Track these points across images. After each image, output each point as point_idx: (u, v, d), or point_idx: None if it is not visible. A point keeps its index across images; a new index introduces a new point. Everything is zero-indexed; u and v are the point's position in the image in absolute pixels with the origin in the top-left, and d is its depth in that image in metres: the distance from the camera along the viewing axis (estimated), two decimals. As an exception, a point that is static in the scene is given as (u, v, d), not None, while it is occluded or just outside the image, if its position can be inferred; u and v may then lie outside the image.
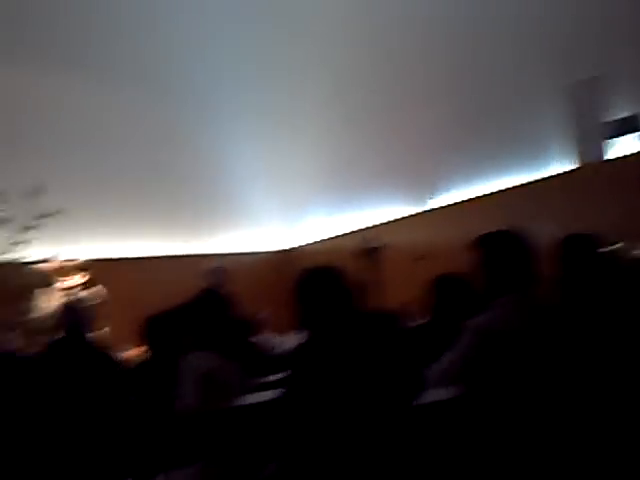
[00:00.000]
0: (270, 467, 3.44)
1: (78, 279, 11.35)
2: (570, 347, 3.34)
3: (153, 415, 4.60)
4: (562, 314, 3.54)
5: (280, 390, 3.29)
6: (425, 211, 13.62)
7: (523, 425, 3.15)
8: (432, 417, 3.22)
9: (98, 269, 12.04)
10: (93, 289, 11.37)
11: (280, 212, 17.20)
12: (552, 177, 11.05)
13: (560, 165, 11.02)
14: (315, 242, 16.77)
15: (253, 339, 7.40)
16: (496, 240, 3.59)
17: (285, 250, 17.79)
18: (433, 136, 12.90)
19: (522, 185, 11.48)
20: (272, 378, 5.63)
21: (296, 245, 17.54)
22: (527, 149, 11.44)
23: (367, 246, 14.88)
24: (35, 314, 12.58)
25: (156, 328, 5.40)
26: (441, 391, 3.46)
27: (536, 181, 11.25)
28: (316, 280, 3.37)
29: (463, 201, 12.68)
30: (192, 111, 15.44)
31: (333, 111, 14.89)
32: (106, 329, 10.32)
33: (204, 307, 4.71)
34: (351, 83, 14.31)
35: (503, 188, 11.84)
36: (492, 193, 12.05)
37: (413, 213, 13.90)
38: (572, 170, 10.80)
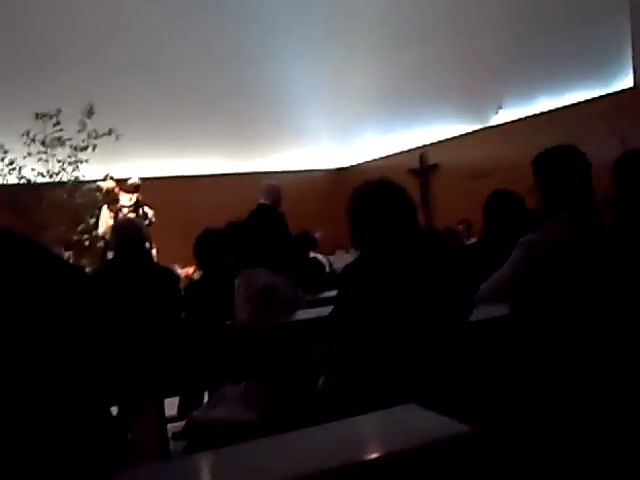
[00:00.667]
0: (324, 382, 3.46)
1: (131, 198, 11.43)
2: (620, 268, 3.29)
3: (205, 332, 4.66)
4: (614, 234, 3.48)
5: (333, 307, 3.30)
6: (483, 129, 13.41)
7: (573, 342, 3.13)
8: (483, 334, 3.20)
9: (152, 188, 12.11)
10: (145, 209, 11.45)
11: (335, 130, 17.11)
12: (613, 94, 10.78)
13: (621, 82, 10.74)
14: (370, 160, 16.66)
15: (309, 256, 7.43)
16: (552, 157, 3.52)
17: (340, 168, 17.75)
18: (493, 52, 12.62)
19: (583, 102, 11.24)
20: (326, 295, 5.67)
21: (351, 163, 17.47)
22: (589, 66, 11.15)
23: (423, 164, 14.80)
24: (89, 233, 12.76)
25: (208, 245, 5.43)
26: (492, 309, 3.45)
27: (597, 98, 10.99)
28: (372, 195, 3.22)
29: (522, 118, 12.45)
30: (249, 31, 15.32)
31: (389, 27, 14.65)
32: (154, 249, 10.41)
33: (260, 223, 4.70)
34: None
35: (563, 105, 11.60)
36: (552, 110, 11.81)
37: (471, 131, 13.69)
38: (633, 87, 10.52)
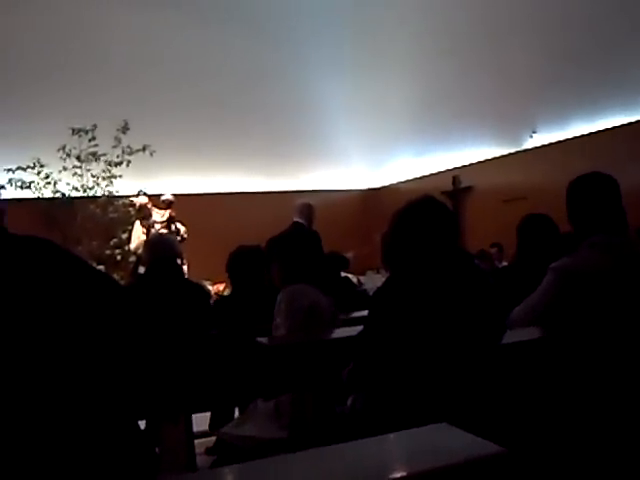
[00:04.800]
0: (354, 401, 3.45)
1: (163, 214, 11.48)
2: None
3: (234, 348, 4.67)
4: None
5: (363, 327, 3.29)
6: (516, 152, 13.35)
7: (604, 368, 3.11)
8: (514, 357, 3.19)
9: (185, 204, 12.16)
10: (177, 225, 11.49)
11: (368, 150, 17.11)
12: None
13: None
14: (403, 181, 16.65)
15: (340, 275, 7.41)
16: (582, 183, 3.54)
17: (372, 189, 17.75)
18: (527, 76, 12.57)
19: (617, 127, 11.16)
20: (357, 314, 5.65)
21: (383, 184, 17.47)
22: (622, 91, 11.09)
23: (456, 186, 14.76)
24: (121, 248, 12.83)
25: (240, 263, 5.44)
26: (524, 332, 3.43)
27: (631, 123, 10.91)
28: (422, 212, 3.12)
29: (556, 143, 12.39)
30: (283, 49, 15.37)
31: (424, 49, 14.65)
32: (185, 265, 10.40)
33: (303, 240, 4.70)
34: (443, 19, 14.02)
35: (597, 130, 11.54)
36: (585, 135, 11.75)
37: (504, 154, 13.64)
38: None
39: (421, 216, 3.11)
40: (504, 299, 3.33)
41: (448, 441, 1.80)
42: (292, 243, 4.67)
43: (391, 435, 1.91)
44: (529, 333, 3.43)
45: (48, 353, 1.46)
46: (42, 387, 1.44)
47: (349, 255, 8.70)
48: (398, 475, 1.62)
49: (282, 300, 4.30)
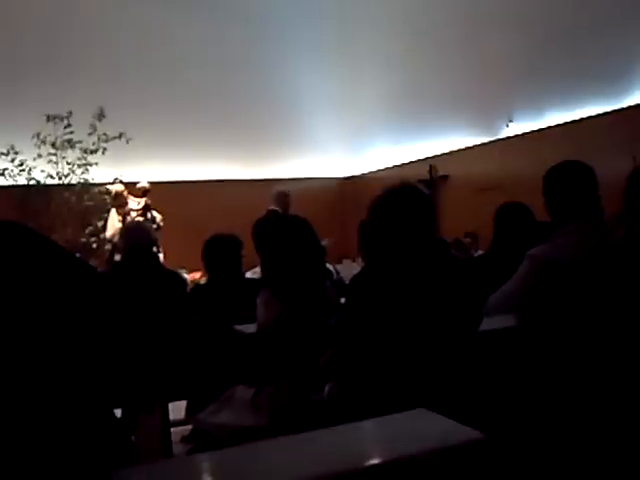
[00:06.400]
0: (331, 389, 3.45)
1: (139, 202, 11.41)
2: (631, 282, 3.28)
3: (211, 336, 4.65)
4: (624, 249, 3.47)
5: (341, 315, 3.28)
6: (493, 141, 13.38)
7: (580, 354, 3.12)
8: (491, 345, 3.19)
9: (161, 192, 12.11)
10: (153, 213, 11.42)
11: (345, 139, 17.09)
12: (623, 109, 10.75)
13: (632, 97, 10.71)
14: (379, 170, 16.65)
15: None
16: (560, 171, 3.56)
17: (349, 177, 17.76)
18: (504, 65, 12.59)
19: (593, 116, 11.21)
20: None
21: (360, 172, 17.47)
22: (599, 80, 11.13)
23: (432, 175, 14.78)
24: (96, 236, 12.75)
25: (216, 251, 5.41)
26: (500, 319, 3.44)
27: (607, 113, 10.96)
28: (399, 201, 3.09)
29: (532, 132, 12.43)
30: (262, 39, 15.32)
31: (401, 38, 14.64)
32: (161, 254, 10.34)
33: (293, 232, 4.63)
34: (420, 9, 14.00)
35: (573, 120, 11.58)
36: (562, 124, 11.79)
37: (481, 143, 13.67)
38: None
39: (399, 204, 3.09)
40: (481, 287, 3.33)
41: (427, 427, 1.80)
42: (272, 233, 4.61)
43: (369, 421, 1.91)
44: (505, 320, 3.44)
45: (23, 340, 1.44)
46: (15, 375, 1.42)
47: (324, 242, 8.67)
48: (377, 461, 1.62)
49: (260, 303, 4.25)
